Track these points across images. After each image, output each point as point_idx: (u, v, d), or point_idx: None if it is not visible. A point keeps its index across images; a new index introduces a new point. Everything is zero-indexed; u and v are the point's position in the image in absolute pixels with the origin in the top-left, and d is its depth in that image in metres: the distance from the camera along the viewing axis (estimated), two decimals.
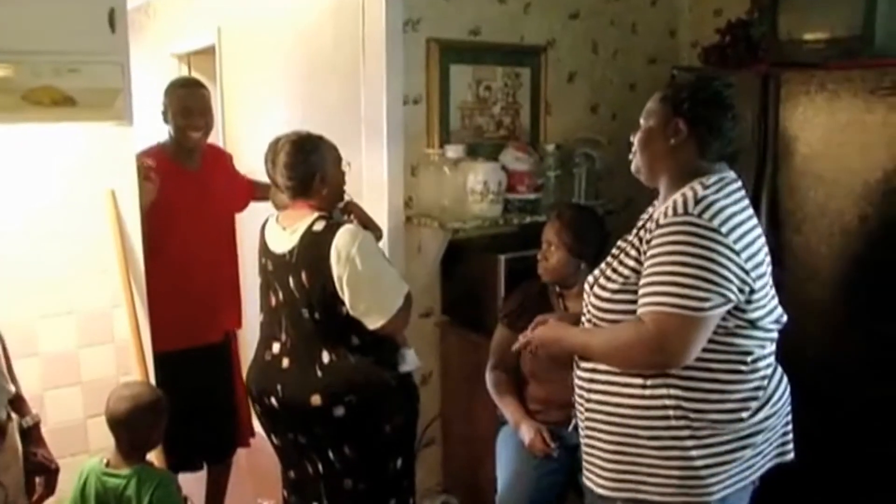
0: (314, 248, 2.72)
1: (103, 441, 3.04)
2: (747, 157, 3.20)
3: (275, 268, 2.84)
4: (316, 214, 2.79)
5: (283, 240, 2.82)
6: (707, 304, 1.95)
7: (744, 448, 2.12)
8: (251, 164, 3.90)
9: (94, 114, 2.75)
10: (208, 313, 3.50)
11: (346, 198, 3.01)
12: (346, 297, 2.70)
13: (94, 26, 2.69)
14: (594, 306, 2.20)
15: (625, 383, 2.12)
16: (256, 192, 3.70)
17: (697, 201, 2.02)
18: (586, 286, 2.33)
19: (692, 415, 2.06)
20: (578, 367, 2.28)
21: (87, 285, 3.00)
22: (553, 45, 4.07)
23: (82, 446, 3.10)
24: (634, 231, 2.23)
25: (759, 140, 3.17)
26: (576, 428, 2.36)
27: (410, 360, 2.91)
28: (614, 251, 2.27)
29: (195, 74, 5.65)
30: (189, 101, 3.38)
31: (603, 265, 2.28)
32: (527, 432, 2.98)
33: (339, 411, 2.73)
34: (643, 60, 4.39)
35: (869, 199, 2.90)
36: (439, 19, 3.69)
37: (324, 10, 4.11)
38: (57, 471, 2.48)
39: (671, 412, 2.07)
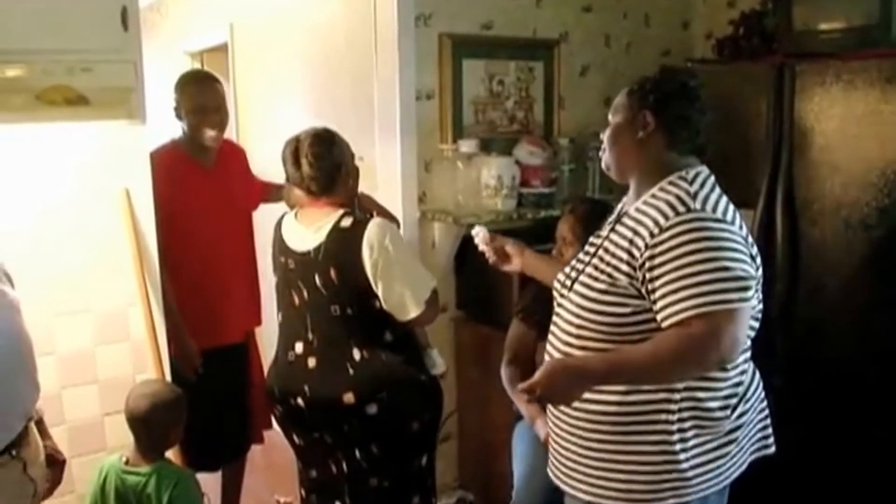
0: (344, 243, 2.73)
1: (120, 439, 3.06)
2: (762, 149, 3.19)
3: (297, 266, 2.83)
4: (341, 211, 2.80)
5: (307, 238, 2.81)
6: (748, 294, 1.92)
7: (728, 444, 2.11)
8: (265, 161, 3.90)
9: (107, 112, 2.75)
10: (229, 313, 3.45)
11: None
12: (379, 290, 2.72)
13: (106, 25, 2.69)
14: (579, 306, 2.13)
15: (611, 389, 2.08)
16: (267, 193, 3.66)
17: (693, 196, 2.00)
18: (557, 284, 2.30)
19: (685, 413, 2.05)
20: None
21: (103, 284, 3.01)
22: (566, 39, 4.06)
23: (100, 444, 3.11)
24: (608, 227, 2.20)
25: (774, 131, 3.16)
26: None
27: (437, 362, 2.98)
28: (589, 248, 2.24)
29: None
30: (203, 98, 3.27)
31: (577, 263, 2.25)
32: (542, 427, 2.96)
33: (372, 409, 2.74)
34: (656, 53, 4.36)
35: (886, 190, 2.88)
36: (451, 14, 3.68)
37: (336, 6, 4.11)
38: (64, 462, 2.49)
39: (663, 414, 2.04)
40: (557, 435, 2.25)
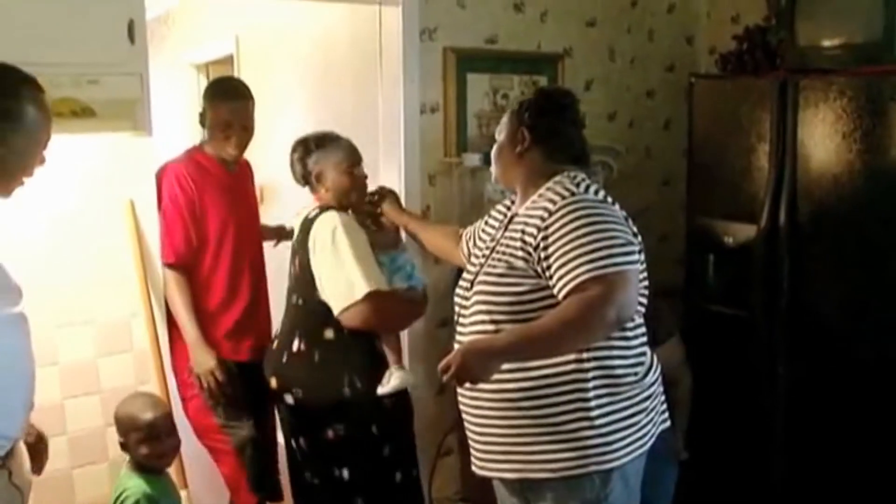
0: (303, 233, 2.81)
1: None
2: (765, 164, 3.20)
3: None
4: (317, 204, 2.88)
5: (295, 229, 2.92)
6: (633, 257, 2.15)
7: (640, 413, 2.26)
8: (270, 172, 3.91)
9: (113, 125, 2.77)
10: (254, 325, 3.18)
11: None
12: (317, 281, 2.77)
13: (113, 38, 2.71)
14: (480, 293, 2.29)
15: (522, 366, 2.20)
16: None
17: (576, 185, 2.25)
18: (460, 290, 2.44)
19: (598, 381, 2.19)
20: None
21: (106, 295, 3.03)
22: (570, 53, 4.07)
23: (101, 455, 3.12)
24: (500, 230, 2.39)
25: (776, 147, 3.16)
26: None
27: (395, 383, 2.80)
28: (484, 250, 2.42)
29: None
30: (231, 116, 3.04)
31: (471, 267, 2.44)
32: None
33: (289, 399, 2.84)
34: (660, 68, 4.37)
35: (889, 206, 2.88)
36: (456, 28, 3.69)
37: (341, 20, 4.13)
38: (42, 440, 2.39)
39: (576, 384, 2.17)
40: (474, 424, 2.35)
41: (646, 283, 2.31)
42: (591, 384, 2.18)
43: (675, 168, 4.20)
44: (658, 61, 4.36)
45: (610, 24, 4.18)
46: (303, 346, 2.83)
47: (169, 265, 2.96)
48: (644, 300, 2.31)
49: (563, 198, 2.19)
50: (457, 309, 2.43)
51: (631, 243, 2.16)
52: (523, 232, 2.22)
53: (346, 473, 2.85)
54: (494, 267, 2.28)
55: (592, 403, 2.18)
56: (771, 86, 3.19)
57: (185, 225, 2.94)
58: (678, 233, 3.91)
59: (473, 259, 2.48)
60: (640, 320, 2.31)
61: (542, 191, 2.29)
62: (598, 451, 2.19)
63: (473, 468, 2.43)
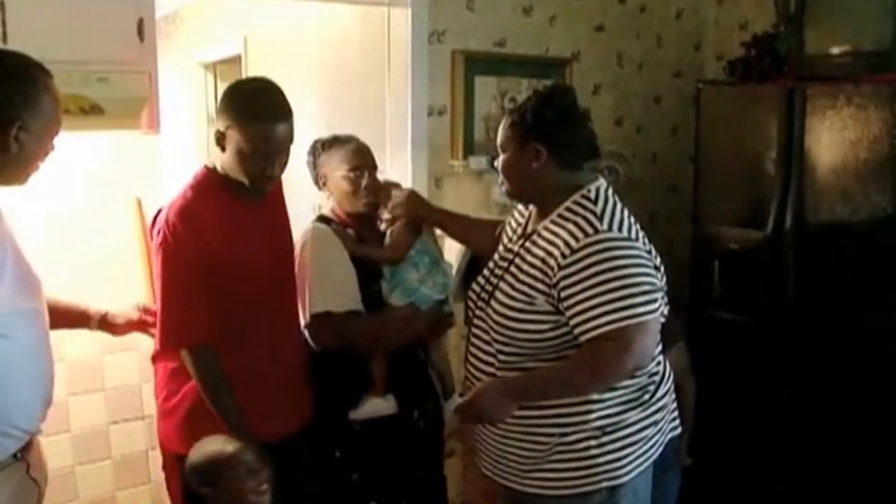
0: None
1: (125, 447, 3.07)
2: (772, 170, 3.20)
3: None
4: (319, 215, 2.84)
5: None
6: (655, 305, 2.09)
7: (650, 426, 2.25)
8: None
9: (122, 122, 2.77)
10: (292, 397, 2.67)
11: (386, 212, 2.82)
12: None
13: (123, 36, 2.71)
14: (498, 323, 2.24)
15: None
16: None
17: (600, 217, 2.13)
18: (472, 295, 2.39)
19: (608, 402, 2.17)
20: (476, 382, 2.30)
21: (113, 292, 3.02)
22: (578, 58, 4.07)
23: (105, 452, 3.12)
24: (518, 244, 2.30)
25: (784, 153, 3.16)
26: None
27: (367, 409, 2.70)
28: (501, 262, 2.34)
29: (221, 83, 5.68)
30: (271, 145, 2.41)
31: (490, 276, 2.35)
32: None
33: None
34: (668, 73, 4.37)
35: (894, 215, 2.88)
36: (464, 31, 3.69)
37: (349, 22, 4.13)
38: None
39: (587, 405, 2.16)
40: (484, 434, 2.33)
41: (665, 302, 2.22)
42: (602, 405, 2.17)
43: (682, 174, 4.20)
44: (666, 67, 4.36)
45: (618, 30, 4.18)
46: (307, 355, 2.78)
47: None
48: (662, 319, 2.21)
49: (586, 234, 2.10)
50: (470, 309, 2.40)
51: (654, 287, 2.10)
52: (544, 261, 2.15)
53: (318, 491, 2.80)
54: (514, 298, 2.20)
55: (602, 423, 2.17)
56: (778, 93, 3.19)
57: None
58: (684, 239, 3.91)
59: (493, 263, 2.40)
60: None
61: (561, 210, 2.20)
62: (608, 468, 2.18)
63: (481, 467, 2.41)
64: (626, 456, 2.20)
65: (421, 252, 2.81)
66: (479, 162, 3.67)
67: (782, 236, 3.16)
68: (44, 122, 2.01)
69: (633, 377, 2.19)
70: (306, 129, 4.44)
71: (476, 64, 3.74)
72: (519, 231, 2.38)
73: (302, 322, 2.68)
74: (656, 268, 2.18)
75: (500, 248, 2.42)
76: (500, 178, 2.38)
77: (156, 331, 2.47)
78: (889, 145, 2.88)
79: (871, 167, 2.94)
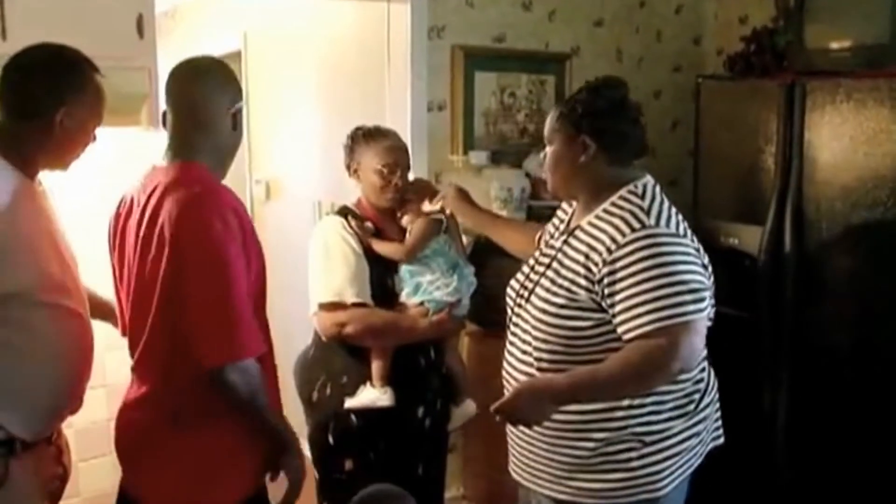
0: None
1: None
2: (772, 165, 3.20)
3: None
4: (341, 206, 2.86)
5: None
6: (703, 304, 2.01)
7: (691, 437, 2.18)
8: (276, 169, 3.92)
9: (122, 119, 2.77)
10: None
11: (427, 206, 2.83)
12: None
13: (122, 32, 2.72)
14: (538, 319, 2.17)
15: None
16: None
17: (647, 212, 2.06)
18: (511, 292, 2.34)
19: (650, 416, 2.11)
20: (516, 382, 2.27)
21: (111, 289, 3.03)
22: (577, 53, 4.07)
23: (107, 448, 3.11)
24: (561, 240, 2.23)
25: (783, 148, 3.16)
26: None
27: (363, 398, 2.70)
28: (542, 259, 2.28)
29: None
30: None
31: (531, 273, 2.29)
32: None
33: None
34: (668, 68, 4.37)
35: (894, 209, 2.88)
36: (464, 26, 3.70)
37: (349, 17, 4.13)
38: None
39: (628, 419, 2.10)
40: (518, 437, 2.29)
41: (712, 311, 2.16)
42: (645, 413, 2.10)
43: (682, 169, 4.20)
44: (665, 62, 4.37)
45: (618, 25, 4.19)
46: (309, 343, 2.86)
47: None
48: (709, 323, 2.15)
49: (633, 229, 2.02)
50: (509, 309, 2.35)
51: (701, 286, 2.02)
52: (587, 257, 2.08)
53: (315, 474, 2.87)
54: (556, 293, 2.13)
55: (644, 431, 2.11)
56: (778, 87, 3.19)
57: None
58: None
59: (533, 261, 2.33)
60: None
61: (607, 205, 2.13)
62: (647, 480, 2.12)
63: (511, 471, 2.35)
64: (666, 468, 2.13)
65: (437, 253, 2.81)
66: (478, 157, 3.67)
67: (782, 231, 3.16)
68: (87, 110, 2.13)
69: (678, 383, 2.12)
70: (305, 125, 4.45)
71: (476, 59, 3.74)
72: (561, 227, 2.32)
73: (310, 311, 2.72)
74: (704, 266, 2.11)
75: (542, 245, 2.36)
76: (544, 172, 2.31)
77: (200, 342, 2.00)
78: (889, 140, 2.88)
79: (870, 162, 2.94)
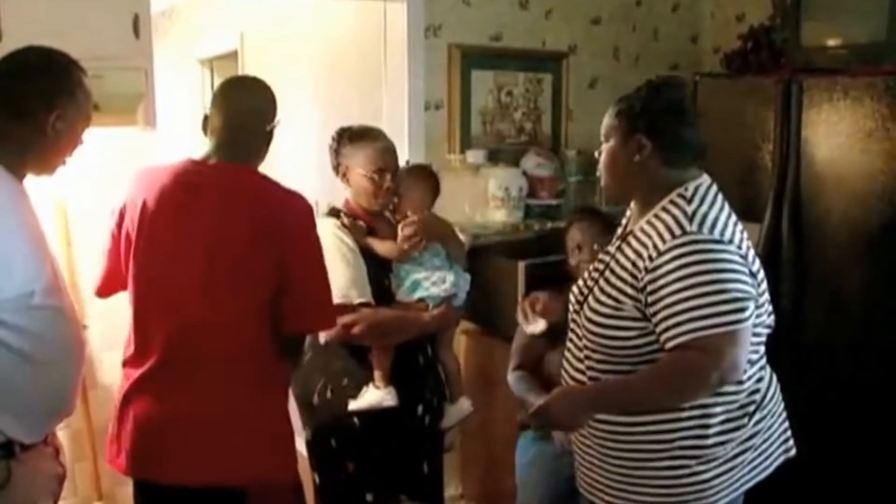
0: None
1: None
2: (769, 163, 3.20)
3: None
4: (332, 206, 2.85)
5: None
6: (746, 314, 1.94)
7: (744, 452, 2.12)
8: (274, 168, 3.90)
9: (118, 119, 2.77)
10: None
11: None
12: None
13: (118, 32, 2.72)
14: (586, 329, 2.16)
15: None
16: None
17: (691, 217, 2.00)
18: (572, 297, 2.31)
19: (698, 430, 2.06)
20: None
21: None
22: (575, 51, 4.07)
23: (104, 449, 3.12)
24: (615, 246, 2.21)
25: (781, 146, 3.16)
26: None
27: (367, 400, 2.70)
28: (598, 265, 2.24)
29: (218, 79, 5.68)
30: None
31: (587, 280, 2.26)
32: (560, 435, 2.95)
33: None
34: (665, 66, 4.37)
35: (892, 207, 2.88)
36: (461, 25, 3.70)
37: (346, 16, 4.13)
38: None
39: (676, 432, 2.06)
40: (582, 444, 2.26)
41: (769, 319, 2.14)
42: (692, 431, 2.06)
43: None
44: (662, 60, 4.36)
45: (615, 23, 4.19)
46: (308, 343, 2.80)
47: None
48: (767, 331, 2.15)
49: (674, 236, 1.97)
50: (571, 310, 2.29)
51: (744, 295, 1.94)
52: (634, 265, 2.04)
53: (316, 478, 2.86)
54: (603, 303, 2.10)
55: (694, 451, 2.07)
56: (775, 85, 3.19)
57: None
58: None
59: (591, 268, 2.29)
60: (754, 357, 2.11)
61: (657, 210, 2.07)
62: (698, 495, 2.08)
63: (578, 486, 2.32)
64: (717, 483, 2.09)
65: (432, 251, 2.83)
66: (476, 156, 3.67)
67: (779, 228, 3.16)
68: (77, 113, 2.11)
69: (729, 395, 2.06)
70: (302, 125, 4.45)
71: (473, 58, 3.74)
72: (619, 232, 2.27)
73: None
74: (752, 274, 2.03)
75: (601, 253, 2.30)
76: (598, 170, 2.26)
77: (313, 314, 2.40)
78: (885, 137, 2.88)
79: (867, 159, 2.94)
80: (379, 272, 2.76)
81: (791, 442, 2.28)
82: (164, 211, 2.27)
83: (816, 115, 3.07)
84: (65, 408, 2.17)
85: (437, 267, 2.83)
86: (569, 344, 2.27)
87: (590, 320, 2.14)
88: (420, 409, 2.84)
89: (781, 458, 2.24)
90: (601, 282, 2.15)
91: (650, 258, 1.99)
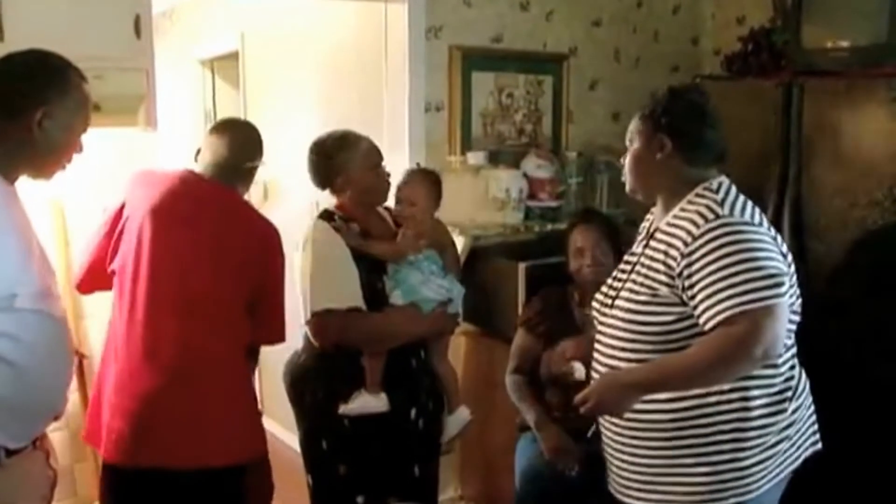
0: None
1: None
2: (769, 165, 3.20)
3: None
4: (326, 208, 2.83)
5: None
6: (782, 289, 2.01)
7: (782, 441, 2.17)
8: (273, 170, 3.91)
9: (119, 120, 2.77)
10: None
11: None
12: None
13: (119, 33, 2.71)
14: (623, 319, 2.19)
15: (661, 397, 2.13)
16: None
17: (721, 203, 2.09)
18: (596, 304, 2.35)
19: (739, 413, 2.10)
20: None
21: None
22: (575, 53, 4.07)
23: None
24: (641, 245, 2.27)
25: (781, 148, 3.16)
26: (595, 434, 2.36)
27: (357, 405, 2.69)
28: (624, 266, 2.31)
29: (219, 80, 5.68)
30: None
31: (614, 282, 2.32)
32: (547, 439, 2.97)
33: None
34: (665, 68, 4.37)
35: (893, 208, 2.88)
36: (462, 26, 3.70)
37: (347, 17, 4.13)
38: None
39: (717, 416, 2.10)
40: (613, 448, 2.28)
41: (798, 301, 2.19)
42: (733, 416, 2.10)
43: None
44: (663, 62, 4.37)
45: (615, 25, 4.19)
46: (302, 345, 2.82)
47: None
48: (796, 318, 2.19)
49: (707, 220, 2.06)
50: (597, 316, 2.35)
51: (780, 273, 2.02)
52: (666, 254, 2.11)
53: (309, 480, 2.86)
54: (638, 292, 2.17)
55: (734, 435, 2.11)
56: (776, 87, 3.19)
57: None
58: None
59: (616, 271, 2.36)
60: (787, 342, 2.16)
61: (683, 204, 2.17)
62: (737, 483, 2.12)
63: (610, 489, 2.34)
64: (756, 472, 2.13)
65: (427, 255, 2.81)
66: (476, 157, 3.67)
67: (780, 231, 3.15)
68: (69, 115, 2.07)
69: (766, 378, 2.12)
70: (303, 125, 4.45)
71: (473, 59, 3.75)
72: (643, 233, 2.34)
73: (302, 319, 2.70)
74: (783, 255, 2.11)
75: (626, 255, 2.38)
76: (624, 174, 2.34)
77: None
78: (886, 139, 2.88)
79: (868, 161, 2.94)
80: (372, 275, 2.73)
81: (818, 436, 2.33)
82: (175, 220, 2.51)
83: (817, 116, 3.07)
84: (52, 412, 2.14)
85: (433, 272, 2.82)
86: (598, 346, 2.31)
87: (626, 310, 2.19)
88: (414, 412, 2.81)
89: (809, 451, 2.29)
90: (633, 276, 2.22)
91: (685, 244, 2.06)
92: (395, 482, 2.81)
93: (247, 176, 2.74)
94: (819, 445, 2.33)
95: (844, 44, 3.20)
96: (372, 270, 2.74)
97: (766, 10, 3.78)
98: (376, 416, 2.69)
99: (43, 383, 2.06)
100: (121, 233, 2.54)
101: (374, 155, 2.83)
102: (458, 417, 2.93)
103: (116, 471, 2.51)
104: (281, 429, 4.26)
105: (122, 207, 2.58)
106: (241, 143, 2.71)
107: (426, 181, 2.90)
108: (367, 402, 2.68)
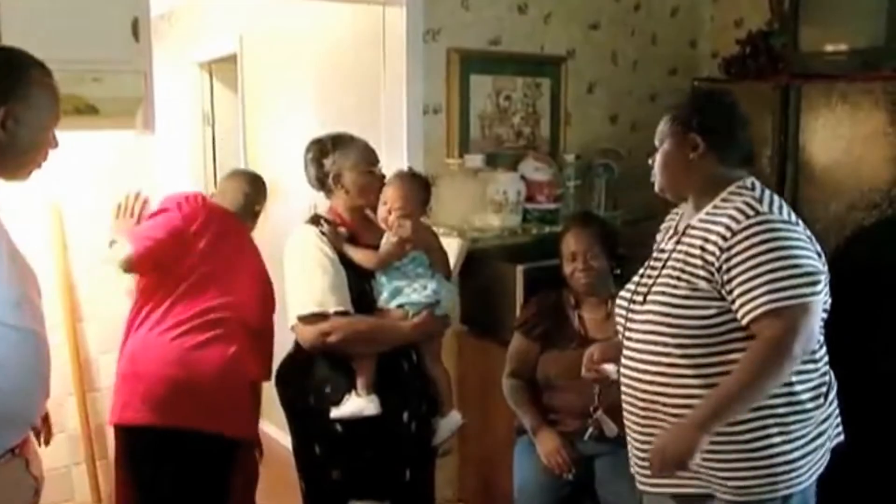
0: None
1: None
2: (767, 168, 3.20)
3: None
4: (315, 213, 2.83)
5: None
6: (818, 287, 2.07)
7: (821, 434, 2.20)
8: (272, 172, 3.91)
9: (117, 122, 2.77)
10: None
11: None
12: None
13: (117, 35, 2.71)
14: (660, 314, 2.18)
15: (700, 393, 2.12)
16: None
17: (759, 201, 2.12)
18: (622, 301, 2.34)
19: (782, 409, 2.11)
20: (642, 381, 2.24)
21: (108, 292, 3.03)
22: (573, 56, 4.07)
23: (100, 452, 3.12)
24: (673, 241, 2.26)
25: (779, 151, 3.17)
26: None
27: (348, 408, 2.66)
28: (654, 263, 2.31)
29: (217, 82, 5.69)
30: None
31: (643, 279, 2.31)
32: (543, 443, 2.97)
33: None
34: (663, 71, 4.38)
35: (889, 211, 2.88)
36: (460, 29, 3.70)
37: (345, 20, 4.13)
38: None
39: (760, 410, 2.10)
40: (643, 442, 2.25)
41: (828, 300, 2.21)
42: (779, 409, 2.12)
43: None
44: (661, 65, 4.37)
45: (613, 27, 4.19)
46: (292, 350, 2.81)
47: None
48: (824, 315, 2.20)
49: (747, 216, 2.08)
50: (621, 319, 2.35)
51: (816, 271, 2.07)
52: (703, 249, 2.13)
53: (302, 485, 2.85)
54: (675, 287, 2.18)
55: (781, 428, 2.12)
56: (773, 90, 3.19)
57: None
58: None
59: (643, 269, 2.36)
60: (821, 338, 2.21)
61: (718, 202, 2.19)
62: (787, 476, 2.13)
63: (637, 484, 2.33)
64: (803, 465, 2.15)
65: (414, 259, 2.79)
66: (474, 160, 3.67)
67: None
68: (35, 112, 1.98)
69: (806, 373, 2.14)
70: (301, 128, 4.45)
71: (471, 62, 3.74)
72: (671, 232, 2.34)
73: (289, 323, 2.69)
74: (818, 254, 2.15)
75: (653, 252, 2.38)
76: (653, 175, 2.35)
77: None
78: (883, 142, 2.89)
79: (865, 164, 2.94)
80: (360, 280, 2.72)
81: (840, 428, 2.34)
82: (231, 243, 3.01)
83: (814, 120, 3.08)
84: (25, 423, 2.07)
85: (419, 275, 2.79)
86: (628, 343, 2.29)
87: (665, 304, 2.19)
88: (406, 416, 2.79)
89: (836, 441, 2.31)
90: (665, 272, 2.23)
91: (724, 238, 2.09)
92: (389, 486, 2.80)
93: (254, 217, 3.26)
94: (841, 437, 2.34)
95: (842, 47, 3.21)
96: (360, 274, 2.72)
97: (764, 14, 3.78)
98: (368, 420, 2.66)
99: (13, 398, 1.98)
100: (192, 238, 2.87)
101: (370, 155, 2.83)
102: (450, 421, 2.91)
103: (146, 431, 2.76)
104: (277, 430, 4.26)
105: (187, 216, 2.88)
106: (247, 191, 3.22)
107: (412, 184, 2.86)
108: (358, 405, 2.66)
